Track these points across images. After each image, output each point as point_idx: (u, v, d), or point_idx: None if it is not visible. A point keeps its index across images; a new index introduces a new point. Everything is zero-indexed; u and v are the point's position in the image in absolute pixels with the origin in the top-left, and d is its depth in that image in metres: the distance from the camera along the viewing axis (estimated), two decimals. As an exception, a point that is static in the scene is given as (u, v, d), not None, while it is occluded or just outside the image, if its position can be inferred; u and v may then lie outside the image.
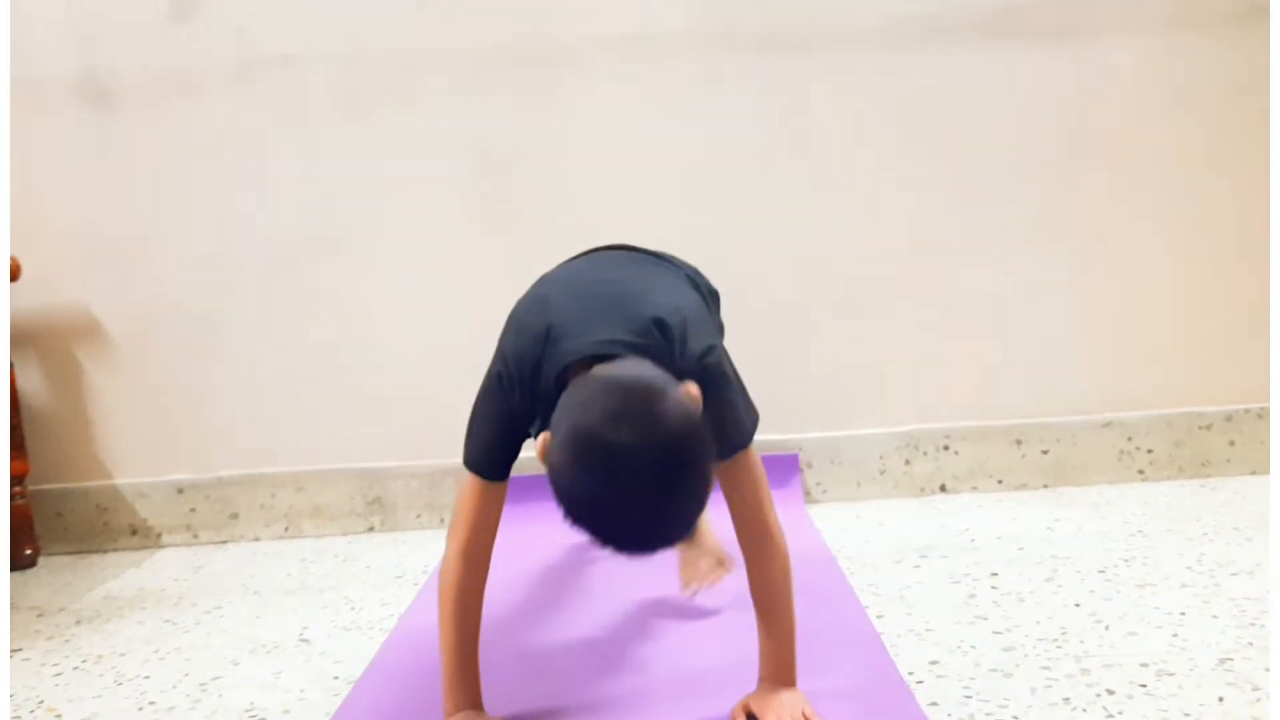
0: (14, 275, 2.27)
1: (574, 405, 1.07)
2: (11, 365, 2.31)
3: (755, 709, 1.25)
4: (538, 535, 2.02)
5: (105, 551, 2.44)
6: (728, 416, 1.21)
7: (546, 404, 1.18)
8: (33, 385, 2.42)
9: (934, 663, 1.43)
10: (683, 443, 1.02)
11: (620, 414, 1.02)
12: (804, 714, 1.23)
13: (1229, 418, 2.33)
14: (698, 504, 1.04)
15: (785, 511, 2.19)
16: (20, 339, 2.37)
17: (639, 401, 1.03)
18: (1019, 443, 2.36)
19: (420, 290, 2.38)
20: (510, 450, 1.29)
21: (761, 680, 1.29)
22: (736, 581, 1.34)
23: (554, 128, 2.34)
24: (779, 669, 1.29)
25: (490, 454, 1.29)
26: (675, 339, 1.20)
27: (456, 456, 2.40)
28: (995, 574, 1.78)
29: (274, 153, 2.36)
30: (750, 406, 1.28)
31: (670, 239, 2.36)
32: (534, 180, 2.36)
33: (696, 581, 1.64)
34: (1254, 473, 2.32)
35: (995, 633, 1.52)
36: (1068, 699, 1.28)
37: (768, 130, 2.33)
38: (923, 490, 2.37)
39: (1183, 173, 2.31)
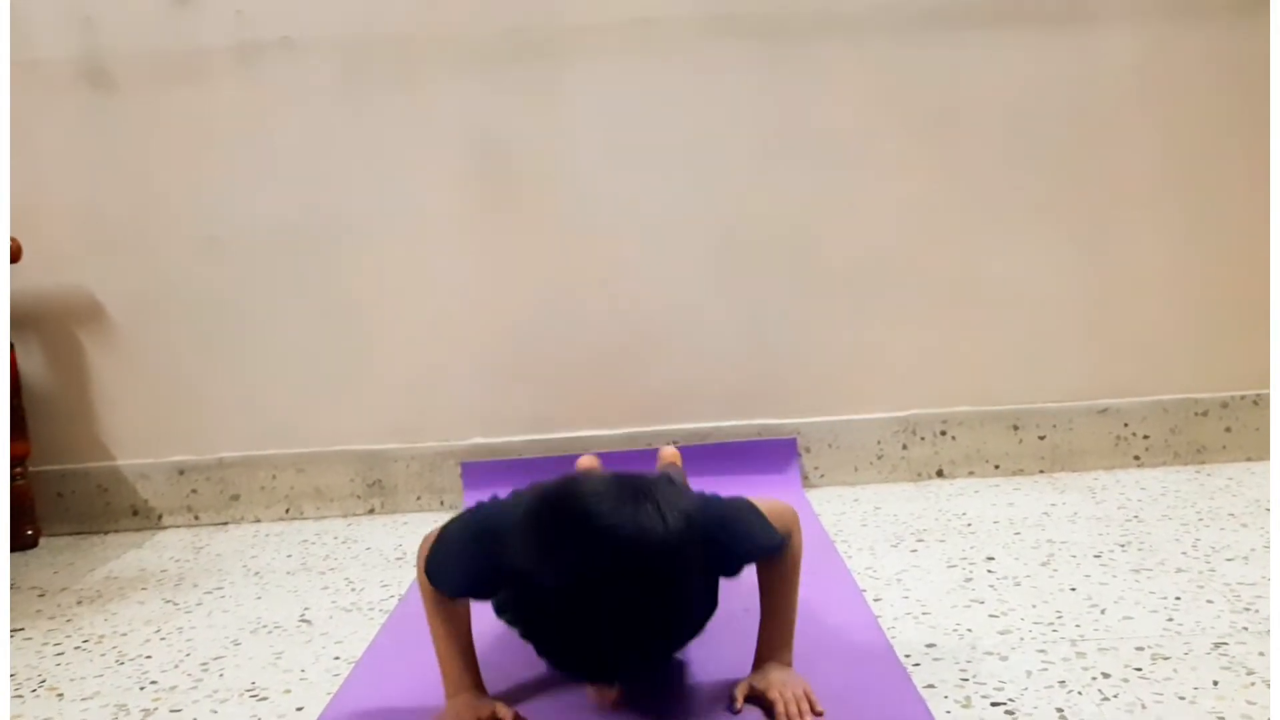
0: (15, 257, 2.27)
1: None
2: (13, 346, 2.31)
3: (759, 687, 1.26)
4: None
5: (106, 532, 2.45)
6: (741, 540, 1.25)
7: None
8: (34, 367, 2.42)
9: (930, 645, 1.44)
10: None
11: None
12: (805, 692, 1.24)
13: (1225, 404, 2.34)
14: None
15: (783, 495, 2.22)
16: (21, 321, 2.37)
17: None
18: (1016, 428, 2.37)
19: (421, 274, 2.39)
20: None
21: (759, 661, 1.30)
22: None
23: (556, 113, 2.34)
24: (777, 650, 1.30)
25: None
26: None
27: (456, 439, 2.44)
28: (991, 558, 1.80)
29: (274, 136, 2.36)
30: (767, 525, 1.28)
31: (672, 223, 2.38)
32: (535, 165, 2.36)
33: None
34: (1250, 459, 2.33)
35: (991, 616, 1.53)
36: (1063, 682, 1.29)
37: (769, 115, 2.33)
38: (920, 475, 2.38)
39: (1181, 160, 2.32)
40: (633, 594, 1.02)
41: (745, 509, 1.27)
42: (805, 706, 1.22)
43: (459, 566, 1.23)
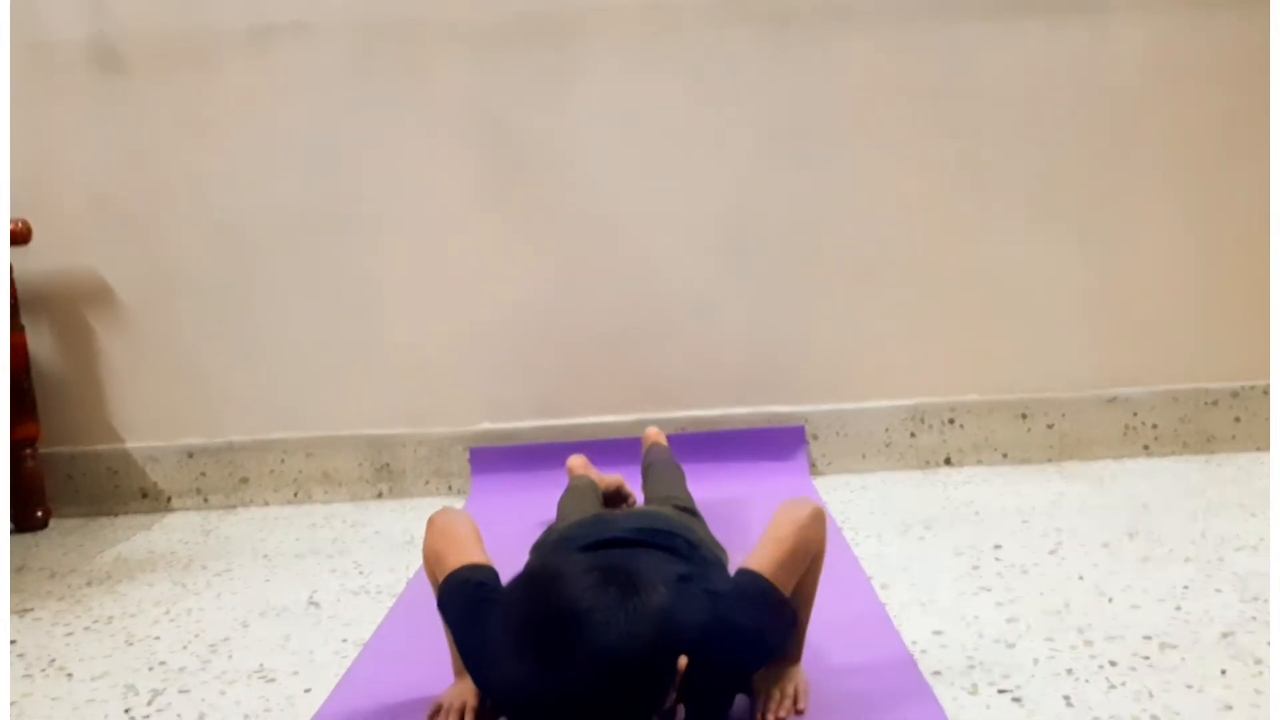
0: (26, 238, 2.28)
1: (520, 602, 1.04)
2: (23, 328, 2.32)
3: (755, 680, 1.24)
4: (519, 506, 2.05)
5: (116, 514, 2.46)
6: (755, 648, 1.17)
7: None
8: (44, 349, 2.43)
9: (937, 633, 1.44)
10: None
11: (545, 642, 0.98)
12: (795, 690, 1.23)
13: (1235, 394, 2.33)
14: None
15: (790, 483, 2.23)
16: (31, 303, 2.38)
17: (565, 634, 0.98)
18: (1024, 417, 2.36)
19: (429, 259, 2.39)
20: None
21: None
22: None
23: (565, 98, 2.34)
24: (789, 649, 1.28)
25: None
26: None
27: (465, 424, 2.45)
28: (999, 546, 1.79)
29: (284, 120, 2.36)
30: (772, 621, 1.17)
31: (680, 210, 2.37)
32: (545, 151, 2.35)
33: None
34: (1259, 449, 2.33)
35: (998, 604, 1.53)
36: (1070, 670, 1.29)
37: (778, 102, 2.32)
38: (928, 463, 2.38)
39: (1192, 149, 2.30)
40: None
41: (752, 609, 1.14)
42: (788, 705, 1.20)
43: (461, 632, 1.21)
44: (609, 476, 2.11)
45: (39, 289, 2.39)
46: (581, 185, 2.36)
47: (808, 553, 1.20)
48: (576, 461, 2.15)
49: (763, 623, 1.15)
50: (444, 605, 1.22)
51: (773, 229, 2.35)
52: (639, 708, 1.00)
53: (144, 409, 2.45)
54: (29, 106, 2.36)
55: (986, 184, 2.33)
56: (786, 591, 1.17)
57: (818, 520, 1.22)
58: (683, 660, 1.02)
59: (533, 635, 0.98)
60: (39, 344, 2.42)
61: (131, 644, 1.61)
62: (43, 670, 1.53)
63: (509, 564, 1.23)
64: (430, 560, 1.28)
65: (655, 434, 2.23)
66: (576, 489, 1.98)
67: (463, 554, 1.24)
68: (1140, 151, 2.31)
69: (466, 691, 1.25)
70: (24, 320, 2.34)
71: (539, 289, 2.38)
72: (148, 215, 2.39)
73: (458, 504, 2.32)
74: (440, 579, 1.23)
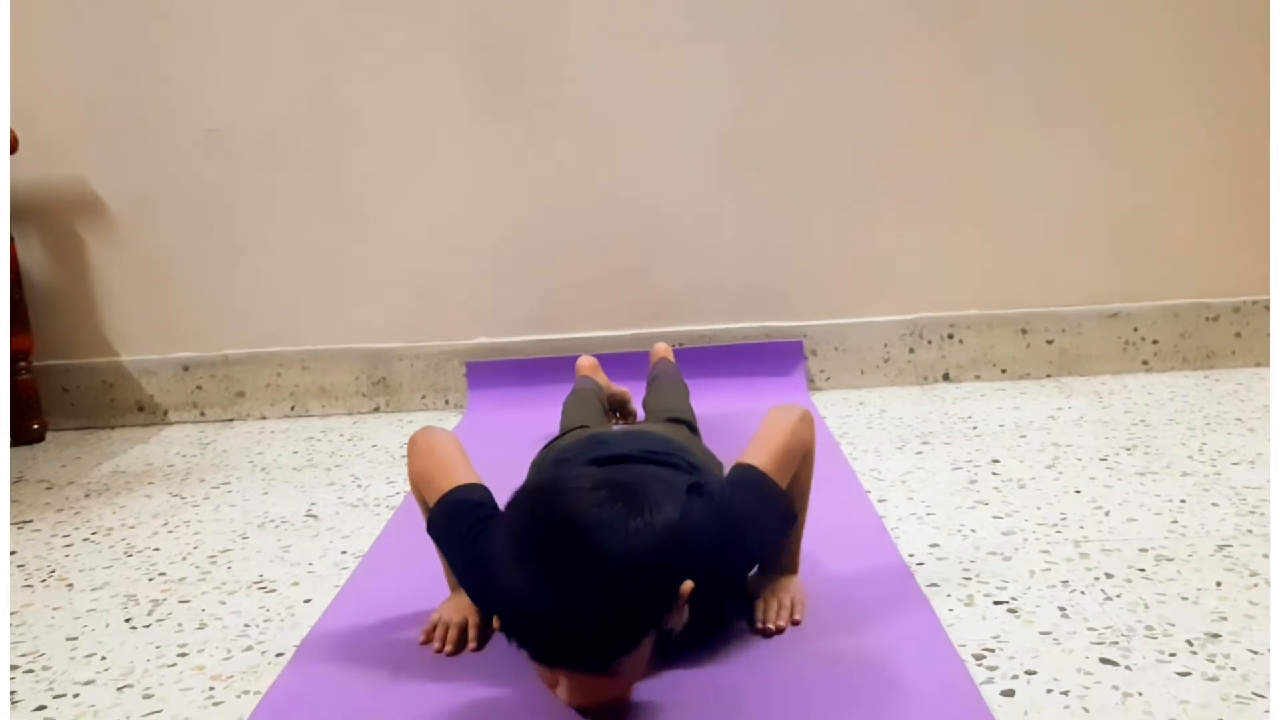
0: (12, 148, 2.24)
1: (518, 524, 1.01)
2: (13, 239, 2.29)
3: (752, 588, 1.26)
4: (516, 420, 2.04)
5: (113, 427, 2.45)
6: (751, 538, 1.18)
7: None
8: (34, 261, 2.40)
9: (934, 545, 1.45)
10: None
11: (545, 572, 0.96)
12: (792, 600, 1.23)
13: (1236, 309, 2.32)
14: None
15: (788, 398, 2.22)
16: (20, 213, 2.35)
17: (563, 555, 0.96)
18: (1024, 332, 2.35)
19: (424, 170, 2.35)
20: None
21: (765, 568, 1.29)
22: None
23: (559, 4, 2.28)
24: (785, 558, 1.29)
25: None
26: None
27: (461, 339, 2.42)
28: (996, 460, 1.80)
29: (276, 27, 2.30)
30: (769, 516, 1.20)
31: (678, 122, 2.33)
32: (538, 60, 2.30)
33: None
34: (1259, 364, 2.32)
35: (995, 517, 1.54)
36: (1066, 581, 1.30)
37: (777, 11, 2.27)
38: (926, 379, 2.38)
39: (1196, 64, 2.26)
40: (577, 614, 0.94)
41: (748, 498, 1.17)
42: (786, 615, 1.21)
43: (455, 557, 1.21)
44: (616, 387, 2.10)
45: (27, 199, 2.36)
46: (577, 95, 2.31)
47: (800, 451, 1.23)
48: (585, 362, 2.15)
49: (760, 513, 1.18)
50: (436, 528, 1.21)
51: (772, 140, 2.31)
52: (637, 626, 0.98)
53: (138, 322, 2.43)
54: (14, 12, 2.30)
55: (990, 96, 2.29)
56: (782, 486, 1.19)
57: (807, 422, 1.25)
58: (687, 585, 1.01)
59: (537, 547, 0.97)
60: (29, 256, 2.39)
61: (131, 555, 1.62)
62: (43, 581, 1.54)
63: (506, 479, 1.22)
64: (418, 483, 1.25)
65: (664, 349, 2.22)
66: (581, 393, 1.96)
67: (451, 474, 1.22)
68: (1145, 65, 2.26)
69: (465, 606, 1.25)
70: (13, 230, 2.30)
71: (535, 202, 2.35)
72: (137, 124, 2.35)
73: (455, 418, 2.32)
74: (431, 502, 1.21)
